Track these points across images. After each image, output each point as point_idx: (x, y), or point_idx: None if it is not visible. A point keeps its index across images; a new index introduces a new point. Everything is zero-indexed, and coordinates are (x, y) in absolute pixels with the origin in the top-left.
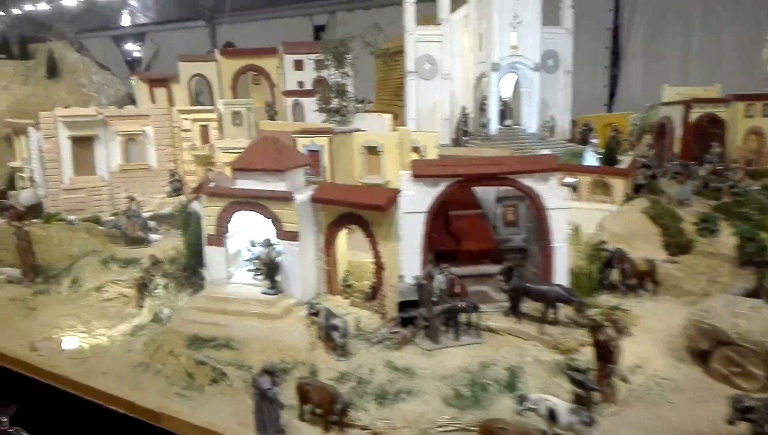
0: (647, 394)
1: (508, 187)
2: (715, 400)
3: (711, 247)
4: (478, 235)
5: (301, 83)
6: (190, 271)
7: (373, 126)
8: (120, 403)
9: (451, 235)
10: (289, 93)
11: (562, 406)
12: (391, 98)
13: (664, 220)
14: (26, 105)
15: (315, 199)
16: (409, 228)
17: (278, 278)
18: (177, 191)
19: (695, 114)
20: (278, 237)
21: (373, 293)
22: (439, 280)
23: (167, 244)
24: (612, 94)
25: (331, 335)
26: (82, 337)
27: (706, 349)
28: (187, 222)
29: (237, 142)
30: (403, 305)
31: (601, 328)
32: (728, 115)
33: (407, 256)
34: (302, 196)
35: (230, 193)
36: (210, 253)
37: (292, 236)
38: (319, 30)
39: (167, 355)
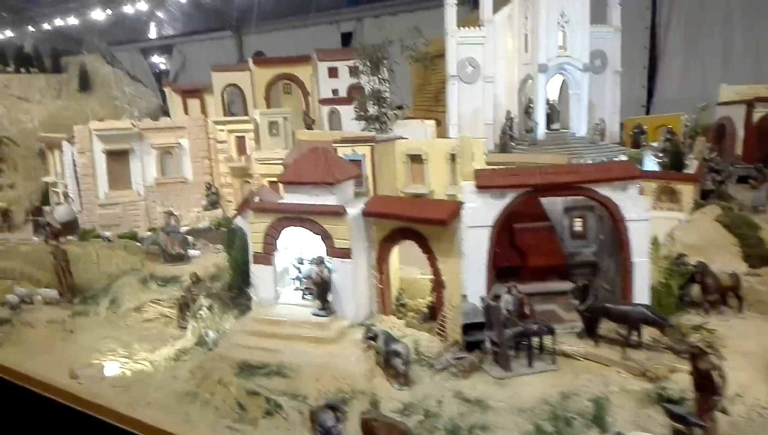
0: (751, 427)
1: (577, 197)
2: None
3: None
4: (546, 249)
5: (335, 91)
6: (236, 290)
7: (415, 133)
8: None
9: (516, 249)
10: (325, 101)
11: None
12: (429, 104)
13: (741, 229)
14: (59, 119)
15: (367, 213)
16: (473, 243)
17: (330, 298)
18: (214, 205)
19: (758, 113)
20: (329, 254)
21: (432, 314)
22: (507, 300)
23: (207, 260)
24: (650, 95)
25: (392, 362)
26: (123, 362)
27: None
28: (231, 239)
29: (275, 153)
30: (468, 328)
31: (704, 355)
32: None
33: (471, 273)
34: (353, 209)
35: (278, 208)
36: (257, 271)
37: (345, 253)
38: (346, 37)
39: (216, 384)
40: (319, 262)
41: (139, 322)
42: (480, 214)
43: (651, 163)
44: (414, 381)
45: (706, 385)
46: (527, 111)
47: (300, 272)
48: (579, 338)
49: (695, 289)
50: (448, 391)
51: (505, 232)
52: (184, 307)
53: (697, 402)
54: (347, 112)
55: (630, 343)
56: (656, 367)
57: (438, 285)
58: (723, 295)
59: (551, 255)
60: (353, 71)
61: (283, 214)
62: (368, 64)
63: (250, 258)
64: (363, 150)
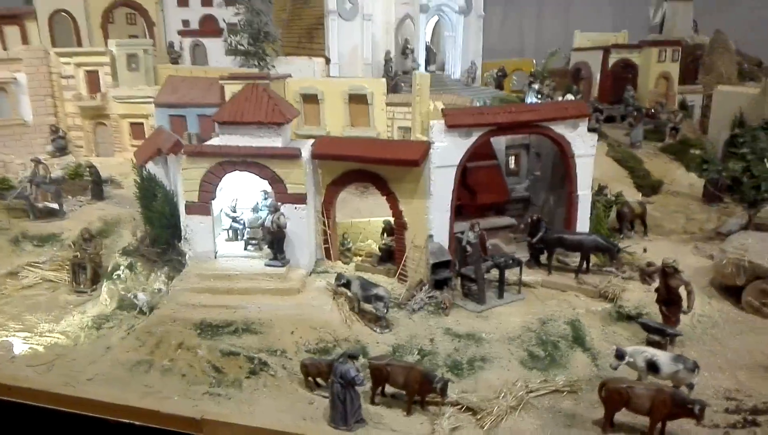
0: (693, 333)
1: (515, 136)
2: (754, 331)
3: (676, 187)
4: (494, 187)
5: (185, 22)
6: (162, 247)
7: (302, 71)
8: (136, 414)
9: (467, 188)
10: (188, 33)
11: (663, 356)
12: (300, 41)
13: (630, 163)
14: None
15: (319, 156)
16: (440, 183)
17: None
18: (62, 150)
19: (613, 59)
20: (280, 200)
21: (388, 256)
22: (470, 237)
23: (88, 214)
24: None
25: (374, 306)
26: (25, 336)
27: (742, 284)
28: (145, 187)
29: (138, 91)
30: (435, 267)
31: (676, 273)
32: (640, 60)
33: (436, 213)
34: (305, 152)
35: (220, 151)
36: (191, 224)
37: (299, 199)
38: None
39: (175, 349)
40: (275, 209)
41: (18, 289)
42: (448, 154)
43: (533, 100)
44: (393, 323)
45: (675, 299)
46: (404, 52)
47: (237, 221)
48: (529, 269)
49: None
50: (436, 329)
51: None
52: (78, 268)
53: (667, 314)
54: (215, 46)
55: (582, 270)
56: (611, 289)
57: (400, 226)
58: (632, 221)
59: (498, 192)
60: (206, 1)
61: (226, 158)
62: None
63: (181, 208)
64: None
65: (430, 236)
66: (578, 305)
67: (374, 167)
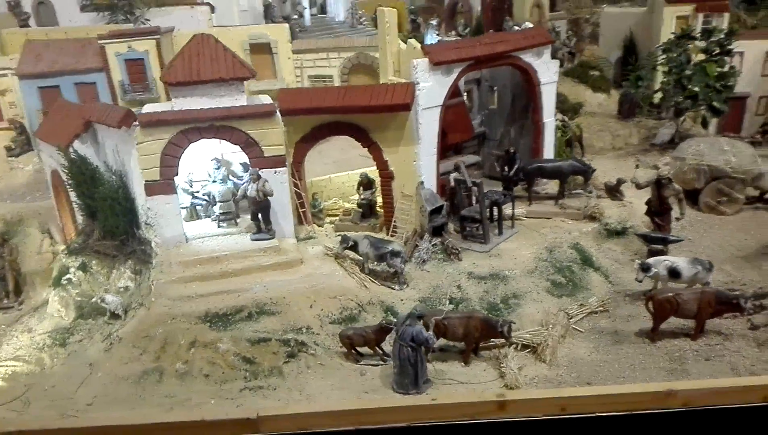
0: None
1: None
2: (715, 228)
3: (588, 107)
4: (461, 125)
5: None
6: (120, 238)
7: (184, 23)
8: (178, 430)
9: None
10: None
11: (682, 261)
12: None
13: None
14: None
15: (288, 112)
16: (427, 126)
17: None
18: None
19: None
20: (256, 165)
21: (370, 210)
22: (455, 176)
23: None
24: None
25: (391, 263)
26: None
27: (700, 187)
28: (79, 172)
29: None
30: (431, 213)
31: (669, 183)
32: None
33: (423, 158)
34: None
35: (185, 118)
36: (155, 206)
37: (278, 162)
38: None
39: (188, 349)
40: (257, 176)
41: None
42: (433, 94)
43: (433, 41)
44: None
45: (667, 208)
46: None
47: (197, 197)
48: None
49: None
50: (457, 275)
51: None
52: None
53: (660, 223)
54: (64, 1)
55: (563, 194)
56: (593, 209)
57: (386, 177)
58: (571, 143)
59: (465, 131)
60: None
61: (190, 124)
62: None
63: (137, 190)
64: (145, 46)
65: (421, 183)
66: (569, 229)
67: (352, 117)
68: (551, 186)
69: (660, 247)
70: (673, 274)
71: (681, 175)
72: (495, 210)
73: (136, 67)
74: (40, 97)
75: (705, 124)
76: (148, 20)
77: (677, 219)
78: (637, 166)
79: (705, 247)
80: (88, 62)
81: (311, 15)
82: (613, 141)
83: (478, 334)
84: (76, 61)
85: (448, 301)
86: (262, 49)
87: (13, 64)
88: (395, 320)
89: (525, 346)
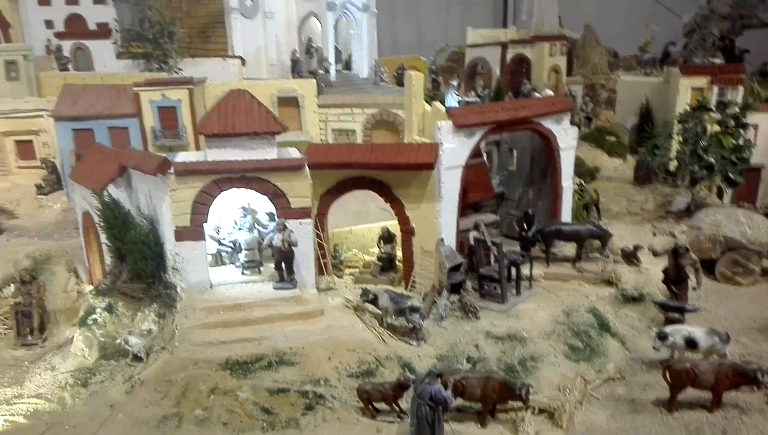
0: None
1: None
2: (732, 299)
3: (604, 172)
4: (481, 184)
5: (49, 22)
6: (147, 281)
7: (215, 73)
8: None
9: None
10: (65, 34)
11: (698, 331)
12: (192, 39)
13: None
14: None
15: (316, 165)
16: (448, 185)
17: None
18: None
19: (510, 54)
20: (283, 215)
21: (389, 264)
22: (476, 237)
23: (8, 251)
24: None
25: (410, 318)
26: None
27: (716, 257)
28: (112, 215)
29: (24, 103)
30: (450, 270)
31: (686, 253)
32: (533, 54)
33: (445, 216)
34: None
35: (218, 168)
36: (183, 251)
37: (304, 213)
38: None
39: (208, 395)
40: (283, 226)
41: None
42: (456, 154)
43: (453, 100)
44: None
45: (684, 277)
46: (308, 51)
47: (223, 244)
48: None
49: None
50: (475, 333)
51: None
52: (22, 316)
53: (676, 292)
54: (102, 48)
55: (580, 257)
56: (610, 274)
57: (407, 233)
58: (588, 207)
59: (485, 190)
60: None
61: (222, 175)
62: None
63: (167, 235)
64: (178, 94)
65: (441, 240)
66: (587, 293)
67: (376, 173)
68: (568, 248)
69: (676, 315)
70: (690, 344)
71: (697, 245)
72: (513, 270)
73: (168, 114)
74: (73, 138)
75: (721, 195)
76: (181, 69)
77: (693, 289)
78: (654, 235)
79: (721, 317)
80: (122, 108)
81: (336, 70)
82: (629, 206)
83: (495, 396)
84: (110, 106)
85: (465, 360)
86: (289, 102)
87: (49, 106)
88: (413, 377)
89: (542, 411)
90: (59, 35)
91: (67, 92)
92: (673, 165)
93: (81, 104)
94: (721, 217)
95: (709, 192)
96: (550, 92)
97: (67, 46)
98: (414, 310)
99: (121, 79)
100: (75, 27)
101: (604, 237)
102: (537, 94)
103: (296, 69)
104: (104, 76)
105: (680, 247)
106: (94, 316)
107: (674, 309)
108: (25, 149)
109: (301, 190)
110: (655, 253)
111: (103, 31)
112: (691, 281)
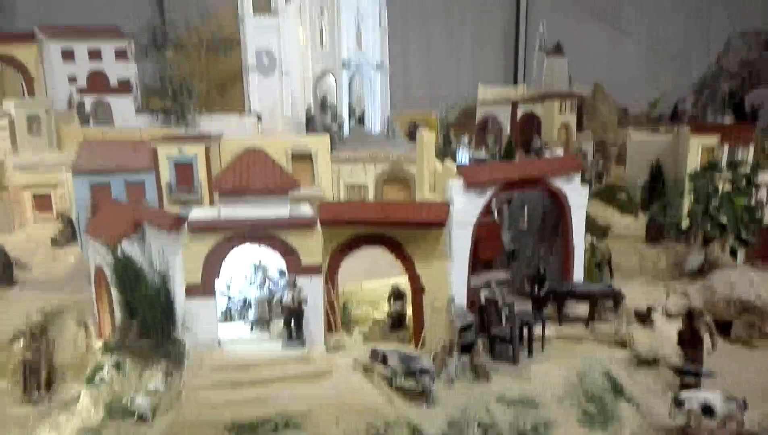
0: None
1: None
2: (746, 362)
3: (615, 229)
4: (492, 242)
5: (73, 78)
6: (157, 338)
7: (233, 129)
8: None
9: None
10: (88, 90)
11: (715, 397)
12: (210, 95)
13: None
14: None
15: (327, 222)
16: (459, 243)
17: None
18: None
19: (520, 111)
20: (293, 271)
21: (399, 322)
22: (486, 294)
23: (18, 304)
24: None
25: (420, 380)
26: None
27: (731, 319)
28: (125, 270)
29: (44, 157)
30: (461, 330)
31: (701, 315)
32: (543, 111)
33: (456, 275)
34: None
35: (231, 225)
36: (193, 307)
37: (314, 270)
38: None
39: None
40: (293, 284)
41: None
42: (466, 212)
43: (464, 158)
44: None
45: (698, 340)
46: (323, 107)
47: (232, 300)
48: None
49: None
50: (486, 397)
51: None
52: (30, 372)
53: (689, 354)
54: (122, 103)
55: (593, 318)
56: (625, 336)
57: (417, 291)
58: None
59: (496, 247)
60: (94, 54)
61: (236, 231)
62: (152, 45)
63: (178, 291)
64: (194, 150)
65: (452, 299)
66: (600, 354)
67: (387, 230)
68: (581, 307)
69: (692, 380)
70: (707, 411)
71: (711, 306)
72: (525, 330)
73: (184, 169)
74: (90, 192)
75: (734, 254)
76: (199, 125)
77: (708, 352)
78: (667, 295)
79: (738, 381)
80: (140, 162)
81: (350, 126)
82: (641, 265)
83: None
84: (128, 160)
85: (476, 425)
86: (303, 157)
87: (68, 159)
88: None
89: None
90: (82, 91)
91: (85, 147)
92: (685, 223)
93: (99, 158)
94: (735, 277)
95: (723, 251)
96: (560, 151)
97: (88, 100)
98: (424, 371)
99: (140, 134)
100: (97, 83)
101: (617, 297)
102: (548, 152)
103: (311, 124)
104: (123, 130)
105: (694, 310)
106: (101, 374)
107: (690, 373)
108: (42, 202)
109: (312, 247)
110: (669, 315)
111: (124, 87)
112: (707, 344)
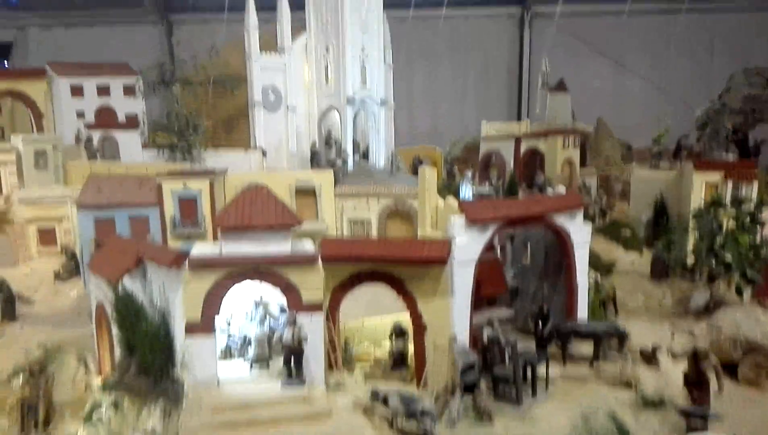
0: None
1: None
2: (755, 403)
3: (620, 265)
4: (494, 279)
5: (80, 113)
6: (156, 375)
7: (237, 165)
8: None
9: None
10: (96, 126)
11: None
12: (216, 130)
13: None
14: None
15: (329, 258)
16: (461, 280)
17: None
18: None
19: (523, 147)
20: (294, 308)
21: (401, 360)
22: (492, 334)
23: (19, 340)
24: None
25: (422, 422)
26: None
27: (737, 359)
28: (126, 307)
29: (50, 191)
30: (464, 369)
31: (707, 356)
32: (547, 147)
33: (458, 312)
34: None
35: (232, 261)
36: (192, 345)
37: (315, 307)
38: (3, 49)
39: None
40: (293, 321)
41: None
42: (468, 249)
43: (467, 193)
44: None
45: (705, 381)
46: (327, 142)
47: (232, 337)
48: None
49: None
50: None
51: None
52: (28, 410)
53: (696, 396)
54: (128, 138)
55: (597, 357)
56: (629, 376)
57: (419, 329)
58: (605, 303)
59: (498, 285)
60: (103, 90)
61: (236, 268)
62: (160, 82)
63: (177, 328)
64: (199, 185)
65: (454, 337)
66: (605, 395)
67: (389, 267)
68: (585, 346)
69: (699, 422)
70: None
71: (717, 346)
72: (529, 370)
73: (188, 204)
74: (94, 227)
75: (740, 292)
76: (204, 160)
77: (715, 394)
78: (672, 335)
79: (745, 423)
80: (144, 197)
81: (354, 161)
82: (646, 302)
83: None
84: (132, 195)
85: None
86: (307, 192)
87: (74, 194)
88: None
89: None
90: (89, 126)
91: (91, 182)
92: (690, 260)
93: (104, 193)
94: (741, 316)
95: (729, 288)
96: (562, 188)
97: (95, 135)
98: (425, 413)
99: (146, 169)
100: (105, 118)
101: (622, 336)
102: (550, 189)
103: (315, 159)
104: (129, 166)
105: (700, 351)
106: (99, 413)
107: (696, 416)
108: (46, 236)
109: (313, 284)
110: (675, 356)
111: (131, 122)
112: (713, 385)
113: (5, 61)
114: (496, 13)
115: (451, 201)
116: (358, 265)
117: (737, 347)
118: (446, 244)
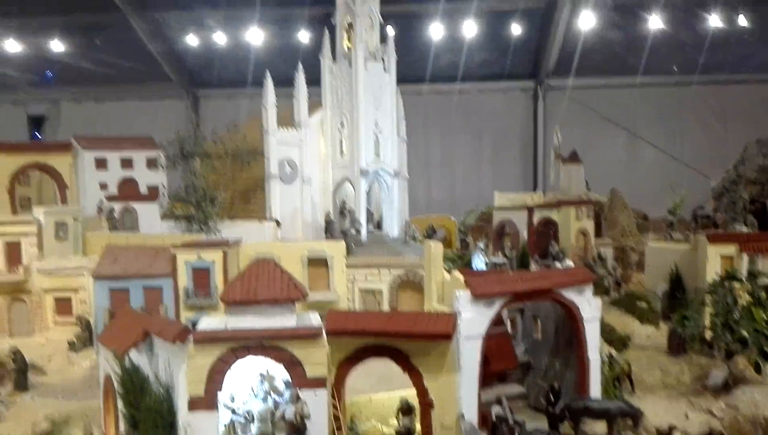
0: None
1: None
2: None
3: (636, 339)
4: (504, 354)
5: (104, 185)
6: None
7: (250, 235)
8: None
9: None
10: (117, 197)
11: None
12: (234, 202)
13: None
14: None
15: (334, 332)
16: (467, 356)
17: None
18: None
19: (536, 217)
20: (297, 384)
21: None
22: (501, 413)
23: (27, 412)
24: None
25: None
26: None
27: None
28: (131, 380)
29: (67, 261)
30: None
31: None
32: (560, 218)
33: (464, 388)
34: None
35: (236, 336)
36: (194, 422)
37: (319, 383)
38: (36, 121)
39: None
40: (296, 398)
41: None
42: (474, 324)
43: (480, 263)
44: None
45: None
46: (342, 212)
47: (236, 413)
48: None
49: None
50: None
51: None
52: None
53: None
54: (147, 210)
55: None
56: None
57: (426, 406)
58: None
59: (508, 359)
60: (126, 163)
61: (240, 343)
62: (180, 155)
63: (180, 403)
64: (213, 256)
65: (462, 415)
66: None
67: (395, 341)
68: (599, 425)
69: None
70: None
71: (736, 427)
72: None
73: (201, 274)
74: (109, 297)
75: (758, 370)
76: (220, 231)
77: None
78: (686, 416)
79: None
80: (159, 268)
81: (368, 231)
82: (663, 378)
83: None
84: (147, 266)
85: None
86: (319, 262)
87: (91, 264)
88: None
89: None
90: (111, 198)
91: (108, 252)
92: (708, 334)
93: (120, 264)
94: (760, 396)
95: (748, 363)
96: (571, 263)
97: (117, 207)
98: None
99: (162, 240)
100: (127, 189)
101: (636, 415)
102: (569, 261)
103: (329, 229)
104: (146, 236)
105: (715, 432)
106: None
107: None
108: (63, 305)
109: (317, 359)
110: None
111: (152, 194)
112: None
113: (38, 133)
114: (510, 86)
115: (457, 275)
116: (363, 339)
117: (757, 429)
118: (452, 319)
